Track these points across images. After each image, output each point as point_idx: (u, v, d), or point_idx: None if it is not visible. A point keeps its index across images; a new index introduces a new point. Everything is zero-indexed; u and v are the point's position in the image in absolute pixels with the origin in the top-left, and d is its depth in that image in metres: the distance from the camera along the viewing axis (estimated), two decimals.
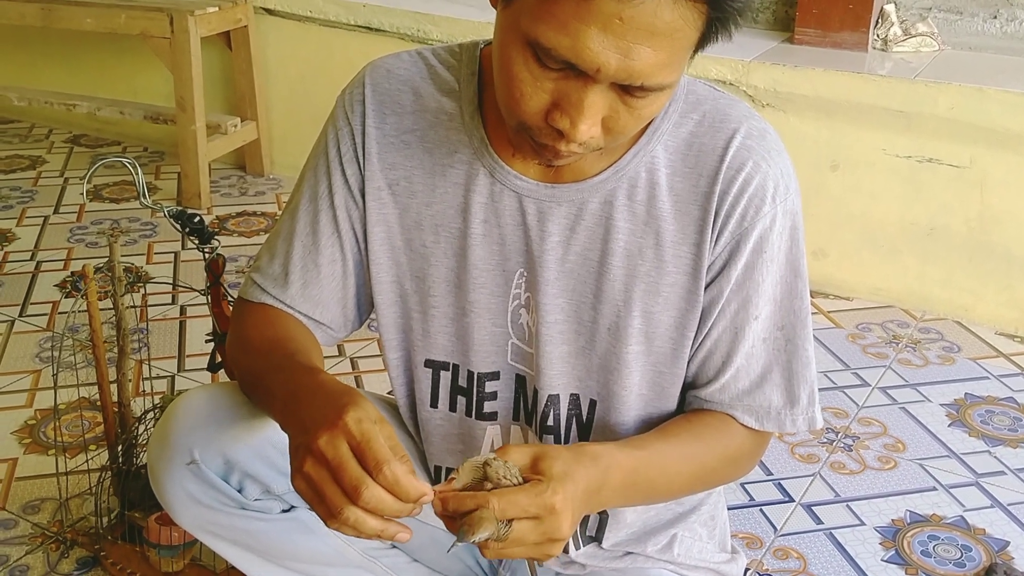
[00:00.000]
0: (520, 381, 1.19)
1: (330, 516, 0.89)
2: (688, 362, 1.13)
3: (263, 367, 1.09)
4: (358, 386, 2.29)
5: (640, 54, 0.87)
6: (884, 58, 2.75)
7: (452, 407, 1.22)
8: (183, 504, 1.14)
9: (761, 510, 1.91)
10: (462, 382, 1.20)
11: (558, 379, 1.15)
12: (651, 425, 1.17)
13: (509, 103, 0.96)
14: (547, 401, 1.16)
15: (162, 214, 1.61)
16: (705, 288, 1.09)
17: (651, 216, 1.08)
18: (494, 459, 0.91)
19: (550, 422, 1.17)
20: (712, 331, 1.11)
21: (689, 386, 1.16)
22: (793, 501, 1.94)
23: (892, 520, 1.89)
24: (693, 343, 1.11)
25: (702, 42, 0.92)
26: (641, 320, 1.10)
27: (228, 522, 1.15)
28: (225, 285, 1.63)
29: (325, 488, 0.89)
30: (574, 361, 1.14)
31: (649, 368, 1.13)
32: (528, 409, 1.19)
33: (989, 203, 2.53)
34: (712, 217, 1.06)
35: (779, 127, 2.62)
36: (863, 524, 1.88)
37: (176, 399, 1.18)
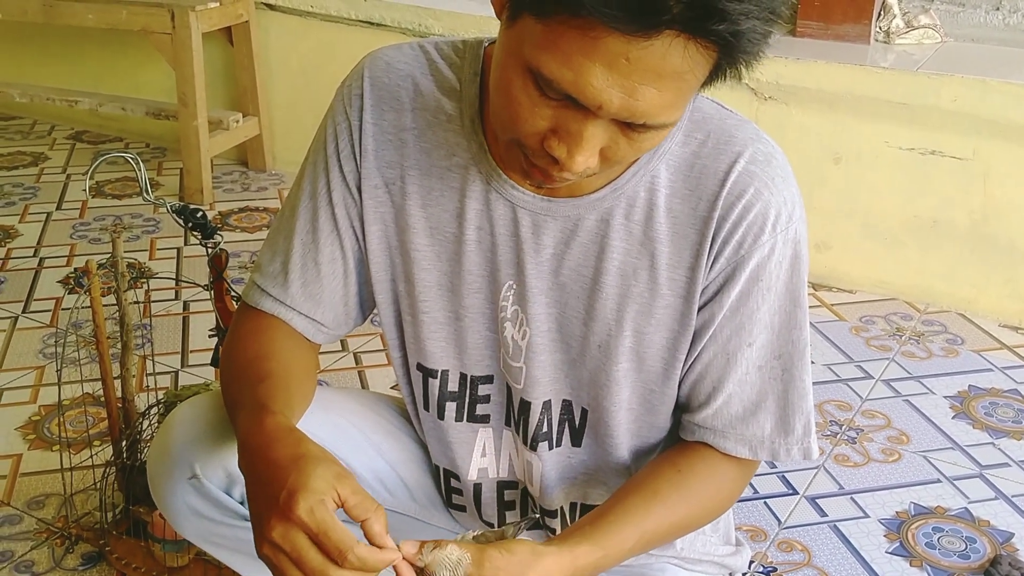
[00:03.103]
0: (510, 389, 1.18)
1: None
2: (680, 383, 1.11)
3: (233, 395, 1.07)
4: (362, 384, 2.29)
5: (644, 95, 0.84)
6: (887, 50, 2.75)
7: (440, 415, 1.20)
8: (186, 518, 1.13)
9: (765, 503, 1.91)
10: (452, 387, 1.18)
11: (551, 385, 1.14)
12: (642, 437, 1.16)
13: (505, 121, 0.93)
14: (542, 407, 1.15)
15: (165, 210, 1.61)
16: (697, 311, 1.07)
17: (647, 237, 1.05)
18: None
19: (544, 428, 1.16)
20: (703, 355, 1.09)
21: (683, 408, 1.14)
22: (797, 494, 1.94)
23: (896, 512, 1.89)
24: (683, 365, 1.10)
25: (710, 81, 0.89)
26: (632, 340, 1.09)
27: (231, 533, 1.14)
28: (228, 280, 1.63)
29: (289, 574, 0.88)
30: (567, 370, 1.13)
31: (640, 386, 1.12)
32: (516, 418, 1.19)
33: (992, 195, 2.53)
34: (709, 243, 1.03)
35: (782, 120, 2.66)
36: (867, 516, 1.88)
37: (174, 410, 1.18)
